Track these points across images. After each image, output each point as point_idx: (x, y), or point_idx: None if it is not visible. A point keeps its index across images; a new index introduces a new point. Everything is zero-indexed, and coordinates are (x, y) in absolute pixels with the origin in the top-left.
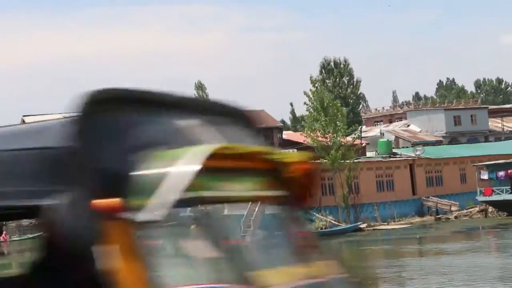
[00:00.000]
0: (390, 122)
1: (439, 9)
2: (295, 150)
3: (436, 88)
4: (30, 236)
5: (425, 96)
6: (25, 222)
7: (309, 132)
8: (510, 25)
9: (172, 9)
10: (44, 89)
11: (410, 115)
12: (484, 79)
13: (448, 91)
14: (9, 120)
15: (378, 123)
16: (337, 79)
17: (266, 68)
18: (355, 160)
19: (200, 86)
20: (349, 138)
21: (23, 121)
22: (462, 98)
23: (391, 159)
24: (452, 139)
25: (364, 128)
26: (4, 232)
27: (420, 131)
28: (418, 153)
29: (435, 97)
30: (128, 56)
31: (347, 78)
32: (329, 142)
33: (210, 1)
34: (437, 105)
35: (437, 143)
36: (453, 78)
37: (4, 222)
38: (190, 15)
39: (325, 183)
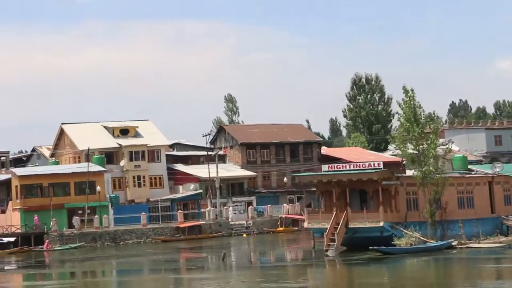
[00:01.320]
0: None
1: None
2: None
3: (449, 109)
4: (72, 245)
5: (437, 116)
6: (66, 231)
7: (400, 144)
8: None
9: (165, 26)
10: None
11: (448, 134)
12: (504, 100)
13: (461, 112)
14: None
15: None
16: (369, 96)
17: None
18: (443, 175)
19: (230, 99)
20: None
21: (62, 130)
22: (482, 119)
23: (472, 175)
24: (492, 158)
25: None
26: (47, 241)
27: (459, 150)
28: (497, 170)
29: (446, 118)
30: (119, 71)
31: (379, 95)
32: (420, 155)
33: (204, 17)
34: (472, 124)
35: (478, 162)
36: (466, 100)
37: (46, 231)
38: (183, 32)
39: (410, 198)
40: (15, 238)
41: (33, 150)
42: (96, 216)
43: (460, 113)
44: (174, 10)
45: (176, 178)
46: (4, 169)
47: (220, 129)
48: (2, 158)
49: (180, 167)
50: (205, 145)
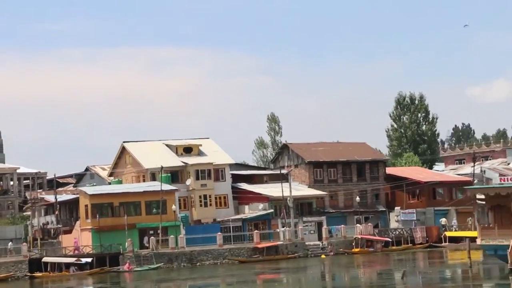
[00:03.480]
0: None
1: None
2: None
3: (452, 133)
4: (151, 267)
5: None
6: (142, 252)
7: None
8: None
9: (141, 52)
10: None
11: (510, 153)
12: None
13: (464, 136)
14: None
15: (459, 162)
16: (413, 115)
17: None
18: None
19: (273, 118)
20: None
21: (124, 148)
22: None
23: None
24: None
25: (443, 166)
26: (128, 262)
27: None
28: None
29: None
30: (97, 98)
31: (423, 114)
32: None
33: (180, 44)
34: None
35: None
36: (469, 123)
37: (121, 251)
38: (159, 58)
39: None
40: (92, 258)
41: (86, 169)
42: (172, 236)
43: (463, 137)
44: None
45: (240, 197)
46: (41, 190)
47: (283, 147)
48: (39, 180)
49: (244, 186)
50: (258, 165)
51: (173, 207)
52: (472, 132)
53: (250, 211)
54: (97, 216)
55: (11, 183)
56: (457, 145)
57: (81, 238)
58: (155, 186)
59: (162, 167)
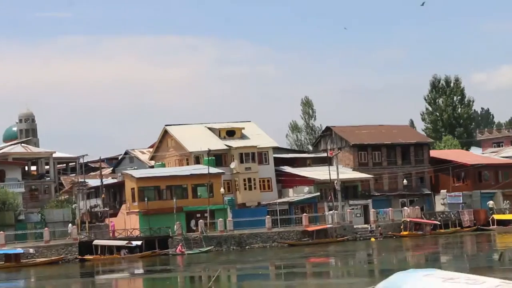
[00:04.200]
0: None
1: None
2: None
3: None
4: (202, 250)
5: None
6: (191, 235)
7: None
8: None
9: (143, 40)
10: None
11: None
12: None
13: (484, 120)
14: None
15: (498, 145)
16: (449, 98)
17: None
18: None
19: (307, 102)
20: None
21: (166, 131)
22: None
23: None
24: None
25: (479, 149)
26: (180, 244)
27: None
28: None
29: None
30: (99, 85)
31: (459, 97)
32: None
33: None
34: None
35: None
36: (488, 108)
37: (170, 235)
38: (161, 46)
39: None
40: (141, 242)
41: (126, 153)
42: (221, 219)
43: (483, 122)
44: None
45: (284, 181)
46: (74, 174)
47: (326, 130)
48: (70, 163)
49: (288, 169)
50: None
51: (221, 190)
52: (491, 116)
53: (294, 195)
54: (145, 199)
55: (46, 167)
56: (494, 128)
57: (126, 222)
58: (200, 169)
59: (209, 150)
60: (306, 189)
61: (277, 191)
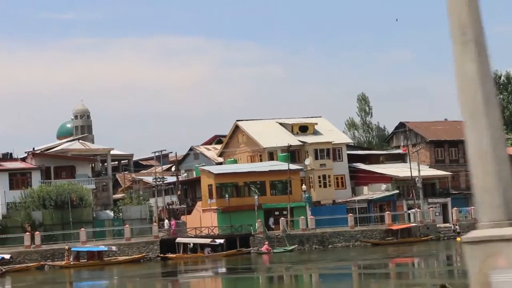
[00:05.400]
0: None
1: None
2: None
3: None
4: (287, 248)
5: None
6: (276, 233)
7: None
8: None
9: (150, 42)
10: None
11: None
12: None
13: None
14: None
15: None
16: (511, 95)
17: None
18: None
19: (363, 99)
20: None
21: (237, 126)
22: None
23: None
24: None
25: None
26: (267, 243)
27: None
28: None
29: None
30: (106, 87)
31: None
32: None
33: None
34: None
35: None
36: None
37: (251, 233)
38: (168, 47)
39: None
40: (223, 240)
41: (191, 149)
42: (302, 217)
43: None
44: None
45: (357, 177)
46: (126, 172)
47: (400, 126)
48: (123, 161)
49: (362, 166)
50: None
51: (303, 186)
52: None
53: (369, 192)
54: (226, 196)
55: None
56: None
57: (202, 219)
58: (278, 165)
59: (289, 145)
60: (384, 186)
61: (350, 189)
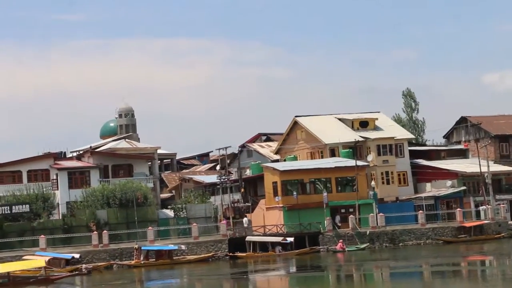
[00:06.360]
0: None
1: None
2: None
3: None
4: (360, 246)
5: None
6: (345, 231)
7: None
8: None
9: (156, 43)
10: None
11: None
12: None
13: None
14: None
15: None
16: None
17: None
18: None
19: (409, 93)
20: None
21: (295, 122)
22: None
23: None
24: None
25: None
26: (341, 241)
27: None
28: None
29: None
30: (111, 88)
31: None
32: None
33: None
34: None
35: None
36: None
37: (321, 231)
38: (173, 49)
39: None
40: (293, 238)
41: (243, 146)
42: (372, 215)
43: None
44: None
45: (419, 173)
46: (169, 171)
47: (460, 121)
48: (165, 160)
49: (424, 162)
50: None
51: (372, 183)
52: None
53: (433, 189)
54: (295, 193)
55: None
56: None
57: (266, 217)
58: (343, 162)
59: (356, 141)
60: (449, 183)
61: (412, 186)
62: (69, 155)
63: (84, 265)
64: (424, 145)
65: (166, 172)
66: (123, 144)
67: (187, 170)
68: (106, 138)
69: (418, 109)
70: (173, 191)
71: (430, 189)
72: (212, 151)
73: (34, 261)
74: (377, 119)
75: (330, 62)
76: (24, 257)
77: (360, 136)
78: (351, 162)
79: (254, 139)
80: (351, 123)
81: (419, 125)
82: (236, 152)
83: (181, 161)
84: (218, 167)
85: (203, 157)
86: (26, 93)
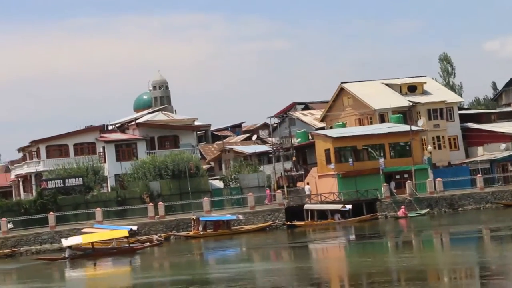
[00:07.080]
0: None
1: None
2: None
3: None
4: (421, 212)
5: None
6: (403, 197)
7: None
8: None
9: (153, 19)
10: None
11: None
12: None
13: None
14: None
15: None
16: None
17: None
18: None
19: (445, 58)
20: None
21: (342, 89)
22: None
23: None
24: None
25: None
26: (403, 207)
27: None
28: None
29: None
30: (109, 65)
31: None
32: None
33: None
34: None
35: None
36: None
37: (378, 197)
38: (171, 24)
39: None
40: (351, 205)
41: (285, 115)
42: (430, 180)
43: None
44: None
45: (470, 137)
46: (203, 143)
47: (510, 83)
48: (199, 132)
49: (475, 126)
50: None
51: (429, 147)
52: None
53: (485, 152)
54: (350, 160)
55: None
56: None
57: (318, 186)
58: (395, 127)
59: (410, 105)
60: (503, 146)
61: (463, 150)
62: (110, 128)
63: (155, 236)
64: (470, 108)
65: (201, 143)
66: (160, 116)
67: (220, 142)
68: (141, 111)
69: (454, 73)
70: (211, 163)
71: (483, 153)
72: (244, 122)
73: (118, 231)
74: (425, 83)
75: (330, 34)
76: (83, 230)
77: (409, 101)
78: (404, 127)
79: (288, 108)
80: (399, 88)
81: (456, 90)
82: (270, 123)
83: (214, 133)
84: (254, 137)
85: (235, 128)
86: (65, 70)
